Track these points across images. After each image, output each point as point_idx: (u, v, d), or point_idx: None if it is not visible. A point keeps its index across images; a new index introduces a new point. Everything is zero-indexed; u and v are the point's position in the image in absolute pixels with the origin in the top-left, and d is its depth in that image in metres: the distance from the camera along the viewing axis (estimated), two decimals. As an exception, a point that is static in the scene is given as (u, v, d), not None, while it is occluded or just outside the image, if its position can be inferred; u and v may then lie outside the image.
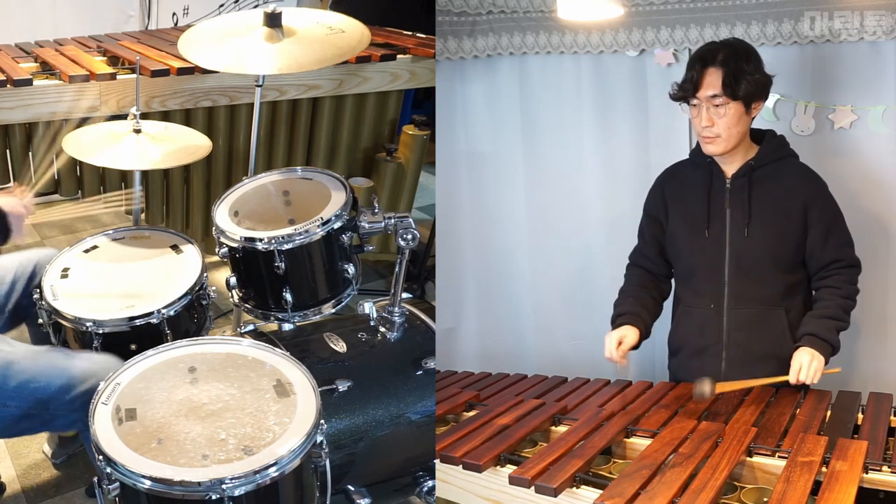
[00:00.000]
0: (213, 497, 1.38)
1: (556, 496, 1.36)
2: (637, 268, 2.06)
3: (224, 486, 1.38)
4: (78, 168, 2.77)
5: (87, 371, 1.73)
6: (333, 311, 2.10)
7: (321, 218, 2.00)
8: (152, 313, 1.91)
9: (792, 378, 1.74)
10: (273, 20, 2.17)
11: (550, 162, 2.55)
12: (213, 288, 2.11)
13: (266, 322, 2.10)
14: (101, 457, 1.44)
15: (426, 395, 1.93)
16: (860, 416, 1.69)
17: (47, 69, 2.66)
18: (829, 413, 1.71)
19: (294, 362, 1.68)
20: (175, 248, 2.16)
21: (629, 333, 1.89)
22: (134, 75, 2.38)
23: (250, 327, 2.03)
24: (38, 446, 2.31)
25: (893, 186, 2.21)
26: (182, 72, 2.68)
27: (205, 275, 2.07)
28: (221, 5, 4.00)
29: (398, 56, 3.03)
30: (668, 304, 2.07)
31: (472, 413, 1.84)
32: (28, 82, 2.50)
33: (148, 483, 1.39)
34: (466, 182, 2.65)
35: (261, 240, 1.98)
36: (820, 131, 2.24)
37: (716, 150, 1.86)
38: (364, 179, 3.20)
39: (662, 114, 2.37)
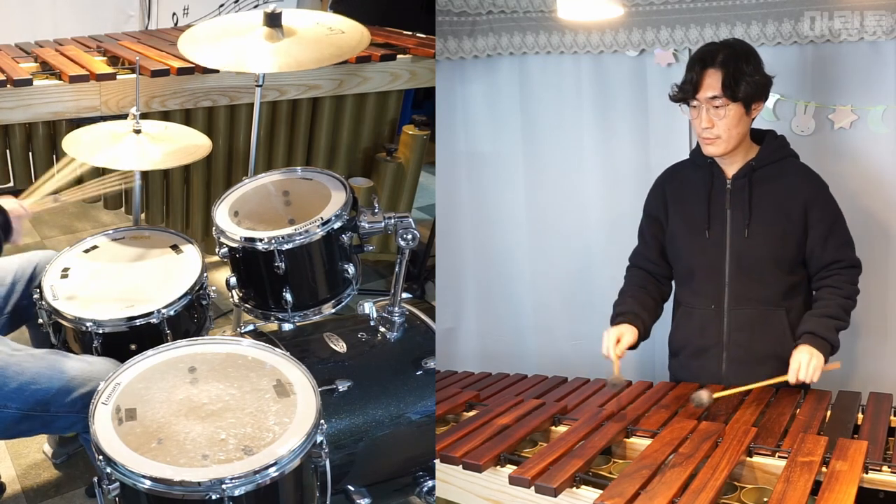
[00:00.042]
0: (213, 497, 1.38)
1: (556, 496, 1.36)
2: (637, 269, 2.06)
3: (224, 486, 1.38)
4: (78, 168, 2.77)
5: (88, 373, 1.73)
6: (333, 311, 2.10)
7: (321, 218, 2.00)
8: (152, 313, 1.91)
9: (791, 377, 1.74)
10: (273, 20, 2.17)
11: (550, 162, 2.55)
12: (213, 288, 2.11)
13: (266, 322, 2.11)
14: (101, 457, 1.44)
15: (426, 395, 1.93)
16: (860, 416, 1.69)
17: (47, 69, 2.66)
18: (829, 413, 1.71)
19: (294, 362, 1.68)
20: (175, 248, 2.16)
21: (627, 332, 1.89)
22: (134, 75, 2.38)
23: (250, 327, 2.03)
24: (38, 446, 2.31)
25: (893, 186, 2.21)
26: (182, 72, 2.68)
27: (205, 275, 2.07)
28: (221, 5, 4.00)
29: (398, 56, 3.03)
30: (668, 305, 2.07)
31: (472, 413, 1.83)
32: (28, 82, 2.49)
33: (148, 483, 1.39)
34: (466, 182, 2.65)
35: (261, 240, 1.98)
36: (820, 131, 2.24)
37: (716, 152, 1.86)
38: (364, 179, 3.20)
39: (662, 114, 2.37)
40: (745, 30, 2.19)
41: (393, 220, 2.02)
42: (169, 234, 2.23)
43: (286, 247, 1.98)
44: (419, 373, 1.96)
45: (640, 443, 1.59)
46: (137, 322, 1.90)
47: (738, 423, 1.61)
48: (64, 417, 1.72)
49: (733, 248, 1.89)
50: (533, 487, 1.39)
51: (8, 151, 2.65)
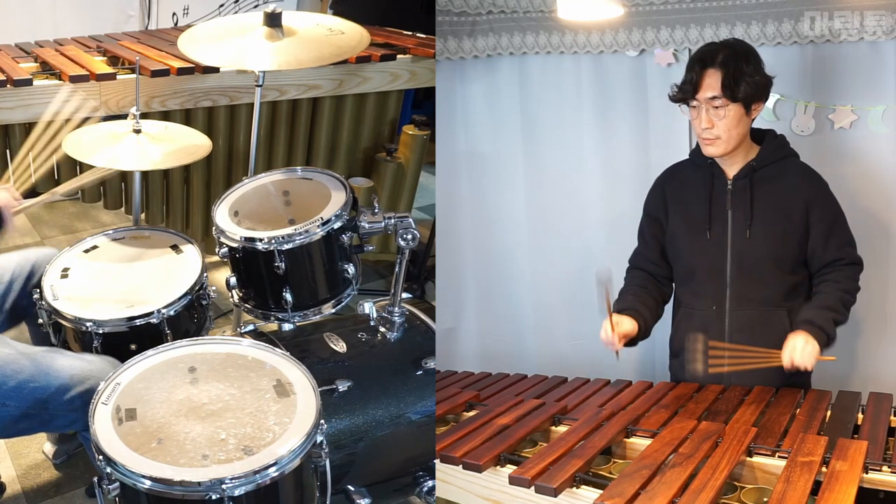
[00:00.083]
0: (213, 497, 1.38)
1: (556, 496, 1.36)
2: (638, 270, 2.05)
3: (224, 486, 1.38)
4: (78, 168, 2.77)
5: (86, 371, 1.74)
6: (333, 311, 2.10)
7: (321, 218, 2.00)
8: (152, 313, 1.91)
9: (785, 360, 1.73)
10: (273, 20, 2.17)
11: (550, 162, 2.55)
12: (213, 288, 2.11)
13: (266, 322, 2.11)
14: (101, 457, 1.44)
15: (426, 395, 1.93)
16: (860, 416, 1.69)
17: (47, 69, 2.66)
18: (829, 413, 1.70)
19: (294, 362, 1.68)
20: (175, 248, 2.16)
21: (625, 319, 1.88)
22: (134, 75, 2.38)
23: (250, 327, 2.03)
24: (38, 446, 2.31)
25: (893, 186, 2.21)
26: (182, 72, 2.68)
27: (205, 275, 2.07)
28: (221, 5, 4.01)
29: (398, 56, 3.03)
30: (668, 305, 2.06)
31: (472, 413, 1.84)
32: (28, 82, 2.49)
33: (148, 483, 1.39)
34: (466, 182, 2.65)
35: (261, 240, 1.98)
36: (820, 131, 2.24)
37: (716, 152, 1.86)
38: (364, 179, 3.20)
39: (662, 114, 2.37)
40: (745, 30, 2.19)
41: (393, 220, 2.02)
42: (169, 234, 2.23)
43: (286, 247, 1.98)
44: (419, 373, 1.96)
45: (640, 443, 1.59)
46: (137, 322, 1.90)
47: (738, 423, 1.61)
48: (63, 416, 1.72)
49: (734, 249, 1.89)
50: (533, 487, 1.39)
51: (8, 151, 2.64)
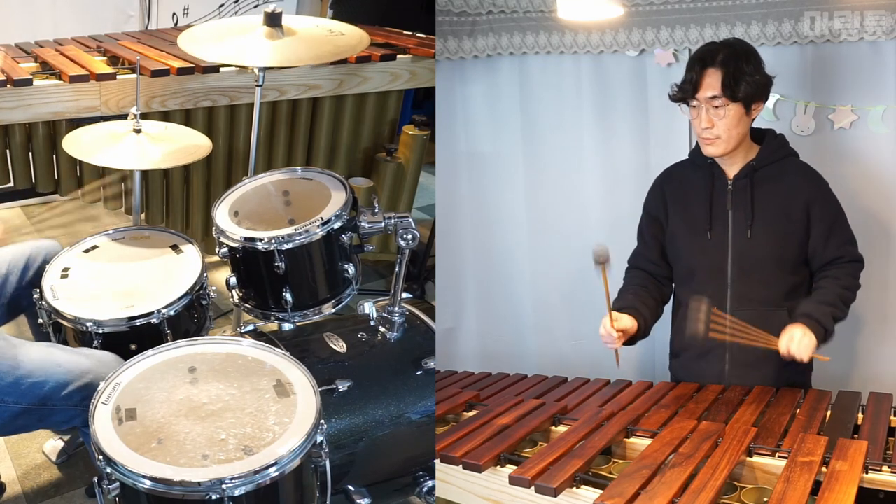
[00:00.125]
0: (213, 497, 1.38)
1: (556, 496, 1.36)
2: (637, 270, 2.05)
3: (224, 486, 1.38)
4: (78, 168, 2.78)
5: (85, 366, 1.73)
6: (333, 311, 2.10)
7: (321, 218, 2.00)
8: (152, 313, 1.91)
9: (782, 347, 1.73)
10: (273, 20, 2.18)
11: (550, 162, 2.55)
12: (213, 288, 2.11)
13: (266, 322, 2.11)
14: (101, 457, 1.44)
15: (426, 395, 1.93)
16: (860, 416, 1.69)
17: (47, 69, 2.66)
18: (829, 413, 1.70)
19: (294, 362, 1.68)
20: (175, 248, 2.16)
21: (625, 317, 1.88)
22: (134, 75, 2.38)
23: (250, 327, 2.03)
24: (38, 446, 2.31)
25: (893, 186, 2.21)
26: (182, 72, 2.68)
27: (205, 275, 2.07)
28: (221, 5, 4.01)
29: (398, 56, 3.03)
30: (667, 306, 2.06)
31: (472, 413, 1.83)
32: (28, 82, 2.50)
33: (148, 483, 1.39)
34: (466, 182, 2.65)
35: (261, 240, 1.98)
36: (820, 131, 2.24)
37: (716, 152, 1.86)
38: (364, 179, 3.20)
39: (662, 114, 2.37)
40: (745, 30, 2.19)
41: (393, 220, 2.02)
42: (169, 234, 2.23)
43: (286, 247, 1.98)
44: (419, 373, 1.96)
45: (640, 443, 1.59)
46: (137, 322, 1.90)
47: (738, 423, 1.61)
48: (62, 412, 1.72)
49: (735, 249, 1.89)
50: (533, 487, 1.39)
51: (8, 151, 2.65)
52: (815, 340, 1.73)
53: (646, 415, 1.73)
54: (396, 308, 2.02)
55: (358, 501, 1.86)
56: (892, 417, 1.65)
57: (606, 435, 1.58)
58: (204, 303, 2.08)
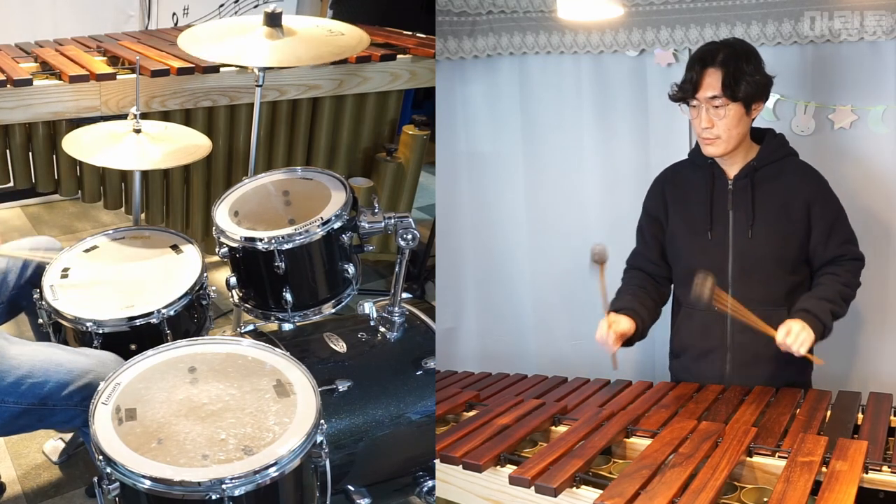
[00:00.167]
0: (213, 497, 1.38)
1: (556, 496, 1.36)
2: (636, 270, 2.05)
3: (224, 486, 1.38)
4: (78, 168, 2.78)
5: (85, 366, 1.73)
6: (333, 311, 2.10)
7: (321, 218, 2.00)
8: (152, 313, 1.91)
9: (780, 338, 1.73)
10: (273, 20, 2.18)
11: (550, 162, 2.55)
12: (213, 288, 2.11)
13: (266, 322, 2.11)
14: (101, 457, 1.44)
15: (426, 395, 1.93)
16: (860, 416, 1.69)
17: (47, 69, 2.66)
18: (829, 413, 1.70)
19: (294, 362, 1.68)
20: (175, 248, 2.16)
21: (622, 318, 1.87)
22: (134, 75, 2.38)
23: (250, 327, 2.03)
24: (38, 446, 2.31)
25: (893, 186, 2.21)
26: (182, 72, 2.68)
27: (205, 275, 2.07)
28: (221, 5, 4.01)
29: (398, 56, 3.03)
30: (667, 306, 2.06)
31: (472, 413, 1.83)
32: (28, 82, 2.50)
33: (148, 483, 1.39)
34: (466, 182, 2.65)
35: (261, 240, 1.98)
36: (820, 131, 2.24)
37: (716, 152, 1.86)
38: (364, 179, 3.20)
39: (662, 114, 2.37)
40: (745, 30, 2.19)
41: (393, 220, 2.02)
42: (169, 234, 2.23)
43: (286, 247, 1.98)
44: (419, 373, 1.96)
45: (640, 443, 1.59)
46: (137, 322, 1.90)
47: (738, 423, 1.61)
48: (62, 412, 1.72)
49: (736, 249, 1.89)
50: (533, 487, 1.39)
51: (8, 151, 2.65)
52: (812, 335, 1.73)
53: (646, 415, 1.73)
54: (396, 308, 2.02)
55: (358, 501, 1.86)
56: (892, 417, 1.65)
57: (606, 435, 1.58)
58: (204, 303, 2.08)
